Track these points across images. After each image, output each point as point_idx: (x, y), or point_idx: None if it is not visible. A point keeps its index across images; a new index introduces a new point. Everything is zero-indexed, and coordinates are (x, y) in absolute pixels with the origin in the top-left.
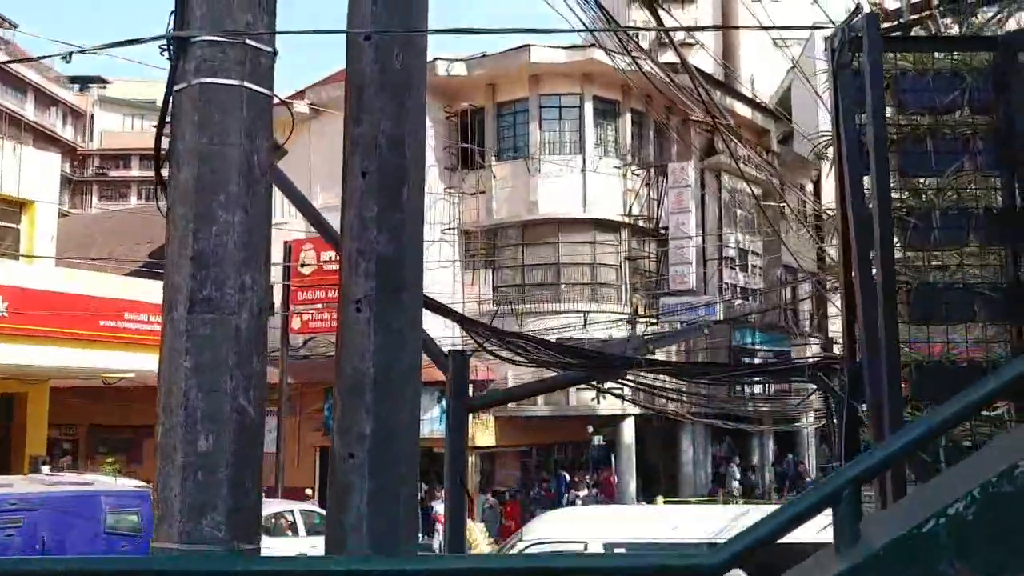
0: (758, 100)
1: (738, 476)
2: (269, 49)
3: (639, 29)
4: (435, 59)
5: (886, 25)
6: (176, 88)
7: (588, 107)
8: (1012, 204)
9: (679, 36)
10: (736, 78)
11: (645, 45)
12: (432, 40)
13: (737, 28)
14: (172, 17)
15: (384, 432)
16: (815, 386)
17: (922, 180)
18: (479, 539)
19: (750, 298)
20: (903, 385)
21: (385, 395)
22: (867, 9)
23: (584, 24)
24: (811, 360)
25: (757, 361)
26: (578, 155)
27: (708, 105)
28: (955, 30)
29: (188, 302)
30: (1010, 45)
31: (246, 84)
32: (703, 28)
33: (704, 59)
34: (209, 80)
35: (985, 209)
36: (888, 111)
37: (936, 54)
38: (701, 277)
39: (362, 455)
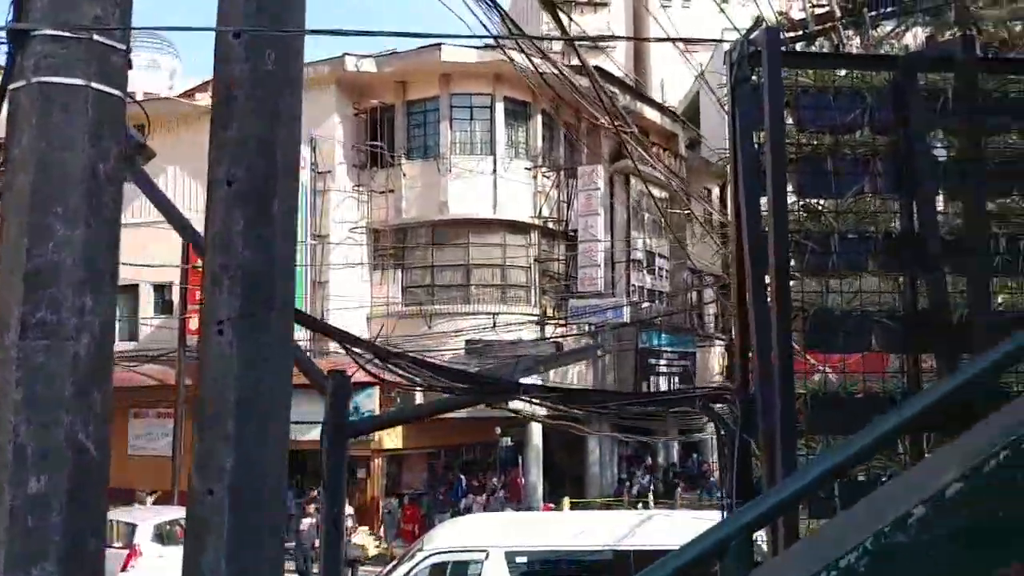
0: (666, 105)
1: (641, 478)
2: (121, 46)
3: (542, 38)
4: (344, 54)
5: (791, 34)
6: (13, 86)
7: (499, 108)
8: (911, 228)
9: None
10: (646, 82)
11: (558, 46)
12: (341, 37)
13: (641, 40)
14: (11, 7)
15: (247, 466)
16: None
17: (821, 202)
18: (368, 545)
19: (657, 300)
20: (798, 417)
21: (249, 425)
22: (771, 17)
23: (488, 29)
24: (703, 390)
25: (663, 363)
26: (489, 156)
27: (610, 111)
28: (857, 41)
29: (20, 326)
30: (910, 64)
31: (93, 84)
32: (606, 38)
33: (615, 62)
34: (50, 79)
35: (884, 234)
36: (787, 129)
37: (838, 71)
38: (609, 279)
39: (222, 491)
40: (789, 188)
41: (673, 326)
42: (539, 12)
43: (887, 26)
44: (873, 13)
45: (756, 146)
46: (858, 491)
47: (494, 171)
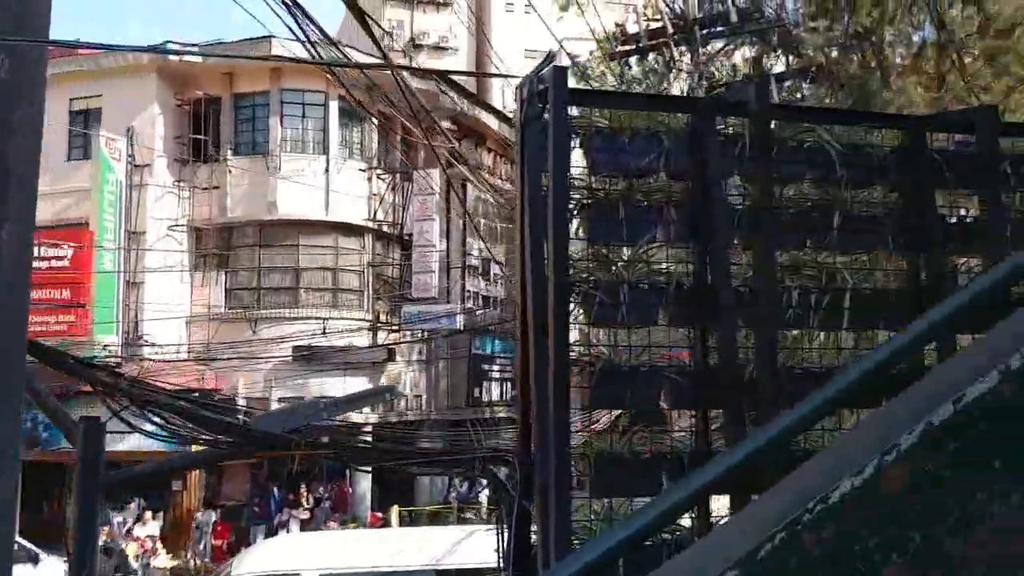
0: (505, 111)
1: (459, 486)
2: None
3: (359, 66)
4: (166, 42)
5: (624, 48)
6: None
7: (333, 106)
8: (704, 280)
9: (432, 40)
10: (487, 87)
11: (399, 46)
12: (167, 22)
13: (447, 73)
14: None
15: None
16: (485, 481)
17: (613, 250)
18: (167, 566)
19: (492, 307)
20: (582, 478)
21: None
22: (602, 30)
23: (297, 34)
24: (483, 452)
25: (495, 369)
26: (321, 155)
27: (424, 124)
28: (688, 59)
29: None
30: (707, 108)
31: None
32: (402, 67)
33: (458, 66)
34: None
35: (676, 285)
36: (580, 172)
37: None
38: (445, 285)
39: None
40: (581, 235)
41: (507, 332)
42: (381, 8)
43: (717, 44)
44: (705, 31)
45: (544, 188)
46: (644, 558)
47: (327, 171)
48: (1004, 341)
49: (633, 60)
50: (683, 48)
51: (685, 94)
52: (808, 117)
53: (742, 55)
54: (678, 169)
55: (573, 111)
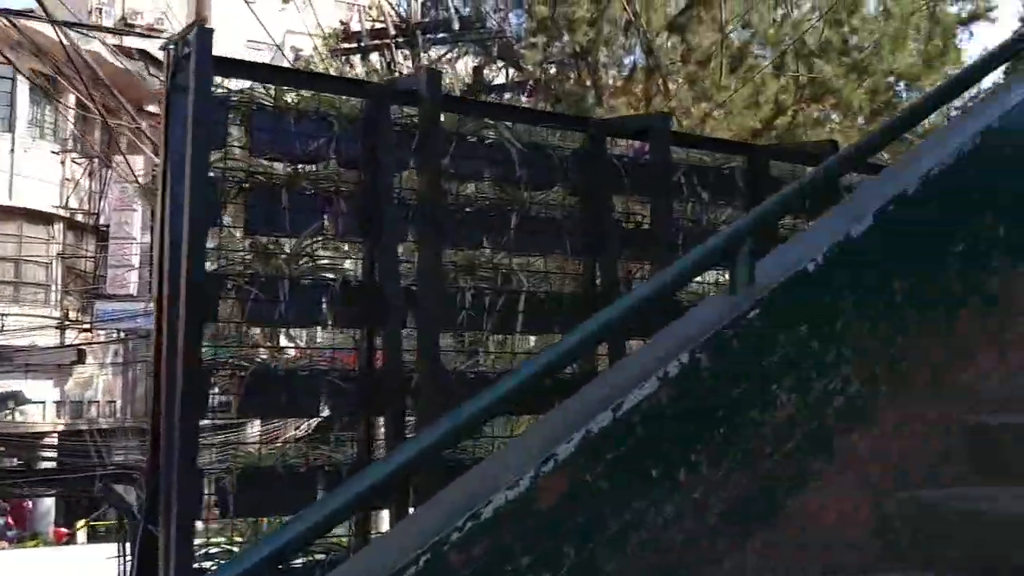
0: None
1: None
2: None
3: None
4: None
5: (347, 46)
6: None
7: (22, 81)
8: (373, 278)
9: (146, 21)
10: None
11: (109, 23)
12: None
13: (84, 27)
14: None
15: None
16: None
17: (275, 241)
18: None
19: None
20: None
21: None
22: (331, 25)
23: None
24: (104, 469)
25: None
26: (7, 134)
27: (93, 103)
28: (409, 64)
29: None
30: (381, 95)
31: None
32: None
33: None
34: None
35: (343, 282)
36: (240, 153)
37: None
38: (147, 281)
39: None
40: (236, 223)
41: None
42: None
43: (441, 50)
44: (427, 36)
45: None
46: None
47: (12, 151)
48: (665, 348)
49: (357, 59)
50: (406, 52)
51: None
52: (487, 112)
53: (465, 64)
54: (349, 157)
55: (244, 85)
